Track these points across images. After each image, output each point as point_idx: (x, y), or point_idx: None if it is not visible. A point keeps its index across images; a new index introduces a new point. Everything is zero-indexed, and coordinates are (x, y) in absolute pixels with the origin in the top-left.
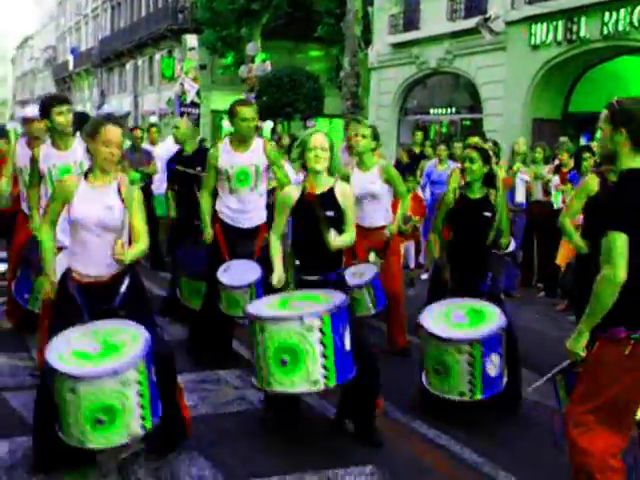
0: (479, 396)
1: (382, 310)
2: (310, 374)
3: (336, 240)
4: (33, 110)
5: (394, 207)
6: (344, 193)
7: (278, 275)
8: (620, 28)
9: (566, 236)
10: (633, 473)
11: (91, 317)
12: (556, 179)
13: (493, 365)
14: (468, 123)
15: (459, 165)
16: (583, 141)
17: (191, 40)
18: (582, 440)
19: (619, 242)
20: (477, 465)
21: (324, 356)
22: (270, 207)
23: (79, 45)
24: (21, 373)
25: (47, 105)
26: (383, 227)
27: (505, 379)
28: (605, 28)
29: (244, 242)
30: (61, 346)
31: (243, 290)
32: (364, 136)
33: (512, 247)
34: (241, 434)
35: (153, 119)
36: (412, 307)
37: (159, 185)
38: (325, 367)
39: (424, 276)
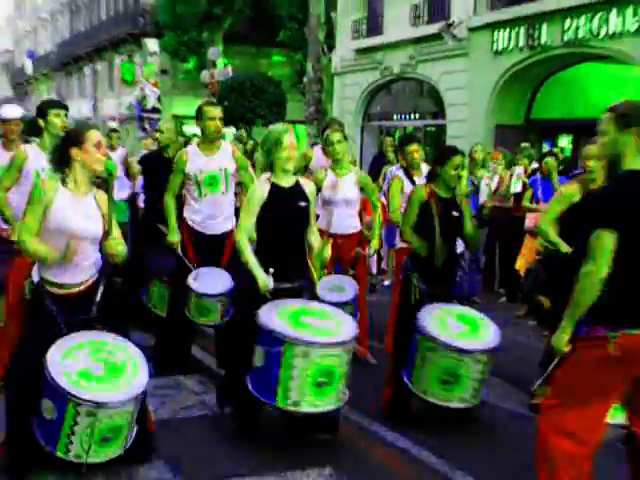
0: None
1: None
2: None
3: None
4: (13, 111)
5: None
6: (309, 186)
7: (262, 280)
8: (580, 35)
9: (548, 241)
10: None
11: (67, 328)
12: (520, 169)
13: None
14: (432, 129)
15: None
16: (546, 146)
17: (152, 44)
18: (547, 430)
19: (607, 240)
20: (435, 465)
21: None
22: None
23: (37, 49)
24: None
25: (45, 107)
26: (356, 234)
27: None
28: (565, 35)
29: (213, 249)
30: (63, 363)
31: (217, 299)
32: (340, 141)
33: (460, 249)
34: (201, 438)
35: (113, 124)
36: (375, 313)
37: (117, 191)
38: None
39: (386, 282)
